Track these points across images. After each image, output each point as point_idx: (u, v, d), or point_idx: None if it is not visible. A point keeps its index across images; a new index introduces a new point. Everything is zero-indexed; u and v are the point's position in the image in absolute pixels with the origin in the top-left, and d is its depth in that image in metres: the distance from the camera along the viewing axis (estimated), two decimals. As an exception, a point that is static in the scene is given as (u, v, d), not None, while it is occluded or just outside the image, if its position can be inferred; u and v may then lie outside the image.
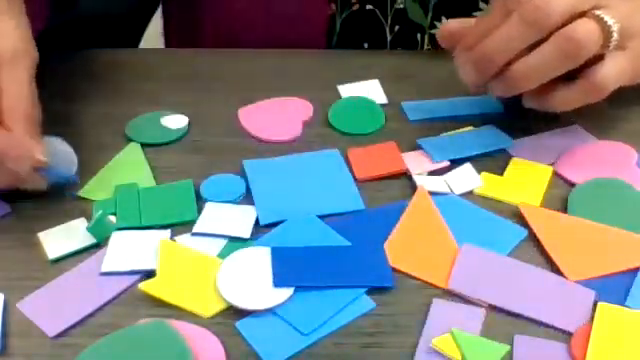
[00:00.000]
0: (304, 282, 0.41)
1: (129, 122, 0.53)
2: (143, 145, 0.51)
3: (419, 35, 0.64)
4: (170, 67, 0.60)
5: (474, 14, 0.62)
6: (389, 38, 0.64)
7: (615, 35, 0.44)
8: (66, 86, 0.57)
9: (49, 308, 0.40)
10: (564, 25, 0.43)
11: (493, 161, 0.50)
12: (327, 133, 0.53)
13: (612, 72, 0.45)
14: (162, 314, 0.40)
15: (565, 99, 0.47)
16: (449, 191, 0.47)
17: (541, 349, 0.38)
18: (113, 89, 0.57)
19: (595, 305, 0.39)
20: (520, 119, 0.54)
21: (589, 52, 0.44)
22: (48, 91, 0.57)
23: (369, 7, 0.62)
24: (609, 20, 0.44)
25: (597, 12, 0.44)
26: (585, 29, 0.43)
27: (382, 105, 0.56)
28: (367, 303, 0.40)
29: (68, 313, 0.40)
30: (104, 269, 0.42)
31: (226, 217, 0.45)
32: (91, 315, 0.40)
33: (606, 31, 0.44)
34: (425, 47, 0.65)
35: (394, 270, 0.42)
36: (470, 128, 0.53)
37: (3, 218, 0.46)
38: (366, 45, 0.65)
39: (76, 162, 0.48)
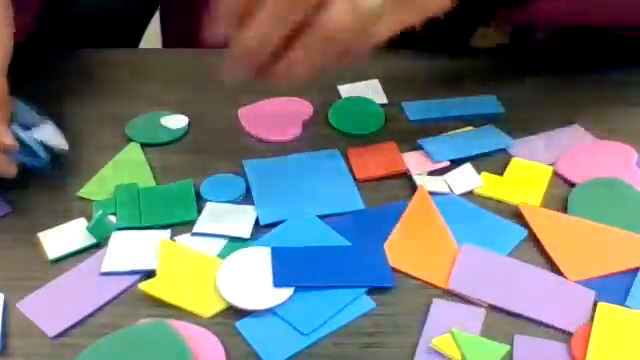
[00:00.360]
0: (304, 282, 0.41)
1: (129, 122, 0.53)
2: (143, 145, 0.51)
3: None
4: (170, 67, 0.60)
5: None
6: None
7: (375, 5, 0.38)
8: (65, 86, 0.57)
9: (49, 308, 0.40)
10: None
11: (493, 161, 0.50)
12: (327, 133, 0.53)
13: (340, 15, 0.38)
14: (162, 314, 0.40)
15: (311, 60, 0.41)
16: (449, 191, 0.47)
17: (541, 349, 0.38)
18: (113, 89, 0.57)
19: (595, 305, 0.39)
20: (520, 119, 0.54)
21: (351, 37, 0.39)
22: (48, 91, 0.57)
23: None
24: None
25: None
26: (338, 18, 0.38)
27: (382, 105, 0.56)
28: (367, 303, 0.40)
29: (68, 313, 0.40)
30: (104, 269, 0.42)
31: (226, 217, 0.45)
32: (91, 315, 0.40)
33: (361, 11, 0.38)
34: None
35: (394, 270, 0.42)
36: (470, 128, 0.53)
37: (3, 218, 0.46)
38: None
39: (63, 146, 0.47)
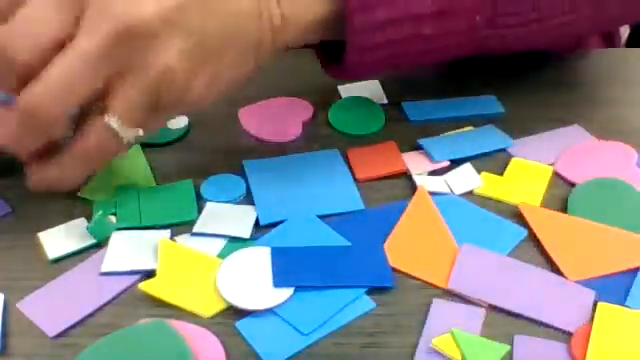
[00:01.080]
0: (304, 282, 0.41)
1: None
2: (143, 145, 0.51)
3: None
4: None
5: None
6: None
7: (128, 135, 0.41)
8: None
9: (49, 308, 0.40)
10: None
11: (493, 161, 0.50)
12: (327, 133, 0.53)
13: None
14: (162, 314, 0.40)
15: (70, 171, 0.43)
16: (449, 191, 0.47)
17: (541, 349, 0.38)
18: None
19: (595, 305, 0.39)
20: (520, 119, 0.54)
21: (115, 153, 0.42)
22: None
23: None
24: (118, 128, 0.40)
25: (106, 119, 0.40)
26: (98, 140, 0.40)
27: (382, 105, 0.56)
28: (367, 303, 0.40)
29: (68, 313, 0.40)
30: (104, 269, 0.42)
31: (226, 217, 0.45)
32: (91, 315, 0.40)
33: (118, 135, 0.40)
34: None
35: (394, 270, 0.42)
36: (470, 128, 0.53)
37: (3, 218, 0.46)
38: None
39: None
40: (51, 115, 0.38)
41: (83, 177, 0.43)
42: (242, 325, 0.39)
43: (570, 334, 0.38)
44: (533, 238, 0.44)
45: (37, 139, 0.40)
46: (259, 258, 0.42)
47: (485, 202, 0.47)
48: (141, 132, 0.41)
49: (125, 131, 0.40)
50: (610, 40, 0.74)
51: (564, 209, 0.46)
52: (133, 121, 0.40)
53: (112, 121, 0.40)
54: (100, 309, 0.40)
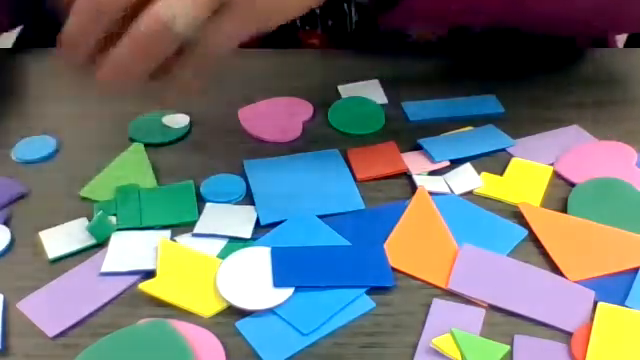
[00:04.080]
0: (304, 282, 0.41)
1: (131, 122, 0.53)
2: (144, 145, 0.51)
3: (345, 5, 0.63)
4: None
5: None
6: (318, 11, 0.63)
7: (183, 26, 0.38)
8: (67, 86, 0.57)
9: (49, 308, 0.40)
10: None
11: (493, 161, 0.50)
12: (327, 133, 0.53)
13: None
14: (162, 314, 0.40)
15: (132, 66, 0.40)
16: (449, 191, 0.47)
17: (541, 349, 0.38)
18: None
19: (595, 305, 0.39)
20: (520, 119, 0.54)
21: (170, 44, 0.39)
22: (50, 91, 0.57)
23: None
24: (169, 21, 0.38)
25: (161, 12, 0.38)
26: (150, 23, 0.38)
27: (382, 105, 0.56)
28: (367, 303, 0.40)
29: (68, 313, 0.40)
30: (104, 269, 0.42)
31: (226, 217, 0.45)
32: (91, 315, 0.40)
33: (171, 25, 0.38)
34: (354, 18, 0.63)
35: (394, 270, 0.42)
36: (470, 128, 0.53)
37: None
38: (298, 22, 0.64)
39: None
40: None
41: (140, 73, 0.40)
42: (242, 325, 0.39)
43: (570, 334, 0.38)
44: (533, 238, 0.44)
45: (98, 27, 0.39)
46: (259, 258, 0.42)
47: (485, 202, 0.47)
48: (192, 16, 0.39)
49: (175, 24, 0.38)
50: (606, 42, 0.73)
51: (564, 209, 0.46)
52: (188, 15, 0.38)
53: (164, 12, 0.38)
54: (100, 309, 0.40)
